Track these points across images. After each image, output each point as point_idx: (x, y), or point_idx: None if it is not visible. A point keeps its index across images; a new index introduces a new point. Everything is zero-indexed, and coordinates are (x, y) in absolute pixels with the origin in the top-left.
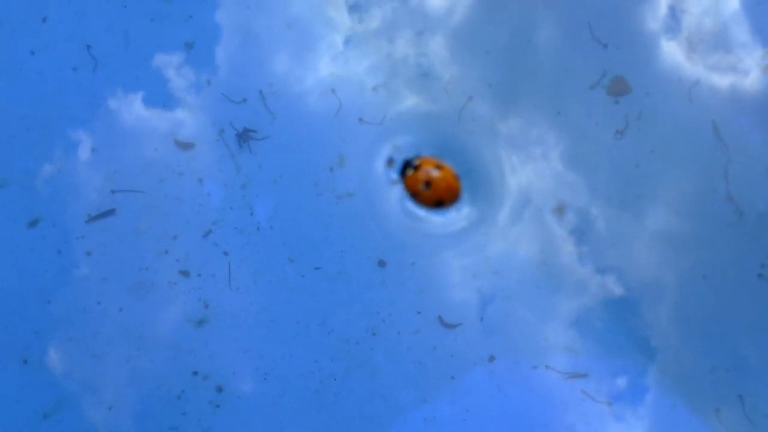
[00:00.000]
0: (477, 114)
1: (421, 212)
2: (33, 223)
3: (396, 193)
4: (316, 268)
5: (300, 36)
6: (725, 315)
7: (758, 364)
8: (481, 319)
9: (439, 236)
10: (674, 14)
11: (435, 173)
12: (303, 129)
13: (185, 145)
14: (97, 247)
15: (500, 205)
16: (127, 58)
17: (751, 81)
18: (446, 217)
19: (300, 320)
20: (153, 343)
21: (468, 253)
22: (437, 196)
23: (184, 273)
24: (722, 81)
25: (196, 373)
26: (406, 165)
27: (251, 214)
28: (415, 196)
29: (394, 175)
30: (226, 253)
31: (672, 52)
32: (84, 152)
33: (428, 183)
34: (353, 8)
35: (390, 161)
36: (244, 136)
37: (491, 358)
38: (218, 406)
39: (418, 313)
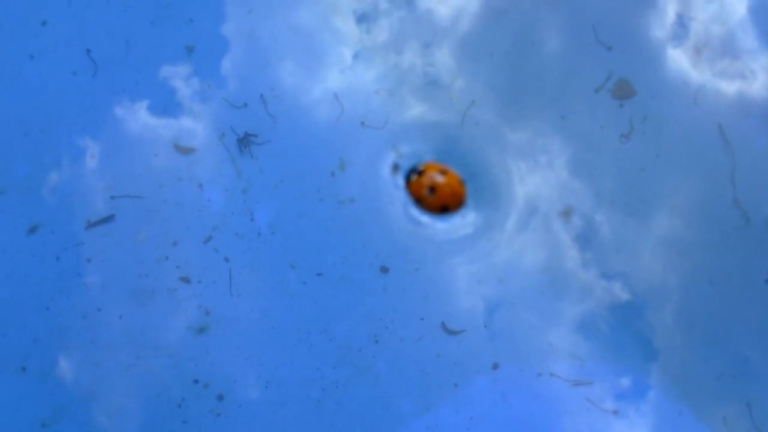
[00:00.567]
0: (480, 118)
1: (425, 218)
2: (32, 230)
3: (399, 198)
4: (318, 274)
5: (303, 40)
6: (732, 321)
7: (766, 370)
8: (485, 326)
9: (443, 242)
10: (681, 20)
11: (439, 179)
12: (304, 133)
13: (185, 150)
14: (96, 254)
15: (505, 211)
16: (127, 62)
17: (758, 86)
18: (451, 224)
19: (301, 327)
20: (153, 351)
21: (472, 259)
22: (442, 202)
23: (185, 279)
24: (729, 86)
25: (196, 380)
26: (411, 171)
27: (252, 219)
28: (420, 201)
29: (400, 182)
30: (226, 259)
31: (678, 55)
32: (83, 158)
33: (433, 188)
34: (361, 18)
35: (395, 167)
36: (245, 141)
37: (495, 366)
38: (219, 414)
39: (421, 319)
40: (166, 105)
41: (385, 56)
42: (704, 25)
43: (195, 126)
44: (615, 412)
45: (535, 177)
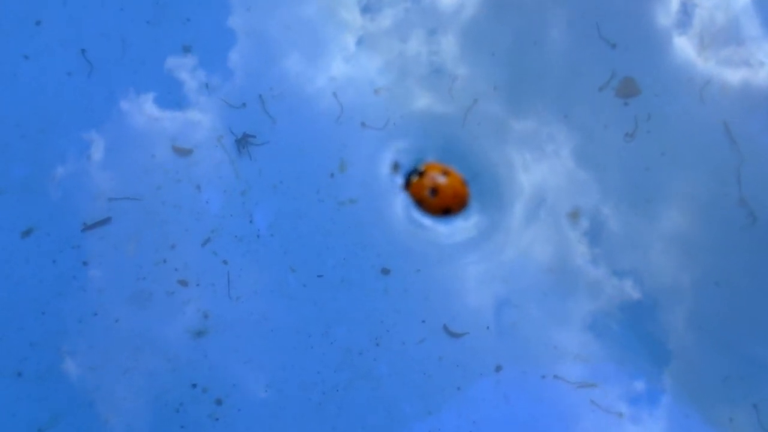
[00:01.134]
0: (482, 117)
1: (426, 221)
2: (27, 232)
3: (399, 198)
4: (318, 277)
5: (302, 37)
6: (738, 322)
7: None
8: (488, 327)
9: (445, 243)
10: (686, 9)
11: (441, 180)
12: (304, 134)
13: (183, 151)
14: (93, 257)
15: (509, 211)
16: (123, 63)
17: (763, 76)
18: (454, 227)
19: (301, 330)
20: (151, 355)
21: (475, 260)
22: (444, 204)
23: (183, 282)
24: (734, 76)
25: (195, 385)
26: (412, 172)
27: (251, 221)
28: (421, 203)
29: (400, 181)
30: (225, 262)
31: (683, 49)
32: (80, 159)
33: (434, 190)
34: (365, 9)
35: (396, 166)
36: (243, 142)
37: (498, 368)
38: (218, 419)
39: (423, 322)
40: (164, 105)
41: (388, 45)
42: (709, 12)
43: (193, 127)
44: (620, 415)
45: (539, 176)
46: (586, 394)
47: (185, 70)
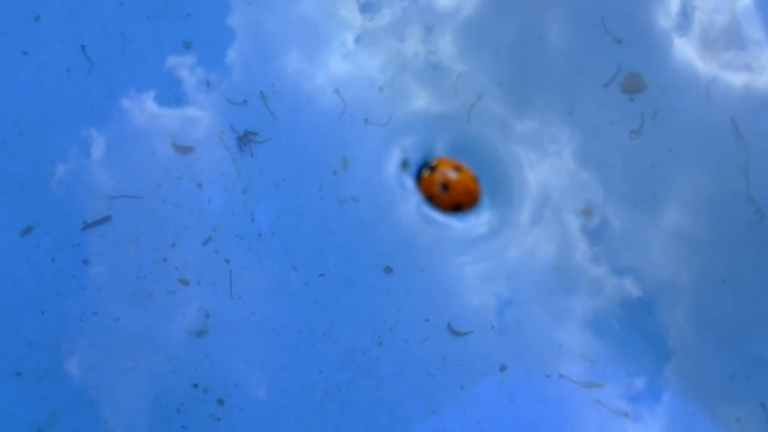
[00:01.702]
0: (486, 114)
1: (438, 216)
2: (26, 231)
3: (403, 196)
4: (320, 275)
5: (304, 32)
6: (745, 319)
7: None
8: (492, 327)
9: (448, 241)
10: (685, 12)
11: (453, 175)
12: (305, 131)
13: (184, 149)
14: (93, 255)
15: (516, 208)
16: (123, 59)
17: (766, 78)
18: (466, 223)
19: (303, 329)
20: (151, 354)
21: (478, 259)
22: (455, 200)
23: (184, 281)
24: (737, 78)
25: (196, 385)
26: (423, 166)
27: (252, 219)
28: (431, 199)
29: (408, 180)
30: (226, 261)
31: (687, 48)
32: (79, 157)
33: (445, 185)
34: (364, 7)
35: (404, 164)
36: (244, 139)
37: (502, 368)
38: (219, 419)
39: (427, 321)
40: (164, 102)
41: (387, 43)
42: (708, 14)
43: (194, 124)
44: (626, 414)
45: (544, 173)
46: (591, 393)
47: (186, 66)
